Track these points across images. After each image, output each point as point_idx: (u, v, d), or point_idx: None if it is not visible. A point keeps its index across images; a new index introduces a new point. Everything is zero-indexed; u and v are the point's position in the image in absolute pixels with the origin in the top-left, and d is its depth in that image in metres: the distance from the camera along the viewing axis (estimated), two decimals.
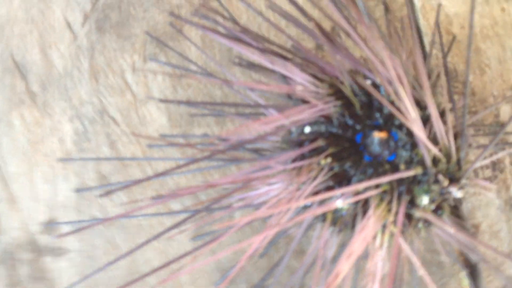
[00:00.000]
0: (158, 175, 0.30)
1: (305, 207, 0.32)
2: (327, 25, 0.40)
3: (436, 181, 0.30)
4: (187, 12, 0.41)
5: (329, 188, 0.31)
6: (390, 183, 0.30)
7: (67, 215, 0.41)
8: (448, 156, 0.31)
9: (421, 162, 0.31)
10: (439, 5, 0.39)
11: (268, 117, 0.31)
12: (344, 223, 0.32)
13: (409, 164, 0.31)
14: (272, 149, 0.34)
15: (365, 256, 0.31)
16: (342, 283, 0.30)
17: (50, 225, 0.41)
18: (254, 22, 0.41)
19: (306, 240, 0.37)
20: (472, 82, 0.40)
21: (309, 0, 0.38)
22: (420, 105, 0.31)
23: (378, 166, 0.31)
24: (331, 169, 0.31)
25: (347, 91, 0.31)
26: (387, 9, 0.36)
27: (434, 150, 0.30)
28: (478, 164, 0.31)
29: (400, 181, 0.31)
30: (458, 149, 0.31)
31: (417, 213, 0.31)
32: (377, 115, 0.32)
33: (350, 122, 0.32)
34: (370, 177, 0.31)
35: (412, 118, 0.28)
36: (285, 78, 0.33)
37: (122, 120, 0.41)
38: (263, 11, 0.41)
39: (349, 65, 0.32)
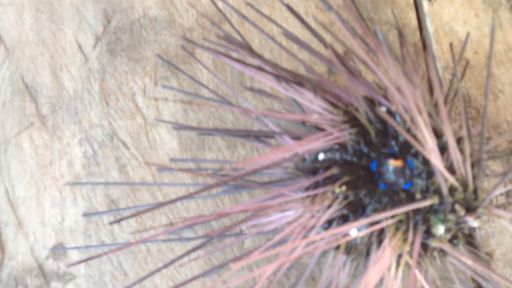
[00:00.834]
0: (169, 202, 0.29)
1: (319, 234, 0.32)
2: (339, 49, 0.40)
3: (453, 211, 0.30)
4: (199, 35, 0.41)
5: (343, 217, 0.31)
6: (406, 212, 0.30)
7: (74, 239, 0.40)
8: (464, 185, 0.30)
9: (438, 191, 0.30)
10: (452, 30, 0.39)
11: (282, 145, 0.31)
12: (358, 251, 0.31)
13: (425, 193, 0.30)
14: (285, 175, 0.33)
15: (379, 286, 0.30)
16: None
17: (57, 249, 0.40)
18: (266, 45, 0.41)
19: (317, 266, 0.37)
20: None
21: (322, 26, 0.38)
22: (436, 133, 0.30)
23: (393, 195, 0.31)
24: (345, 197, 0.30)
25: (363, 118, 0.31)
26: (400, 34, 0.35)
27: (451, 180, 0.29)
28: (495, 194, 0.30)
29: (417, 211, 0.30)
30: (474, 178, 0.30)
31: (433, 243, 0.30)
32: (393, 143, 0.31)
33: (365, 149, 0.31)
34: (385, 206, 0.30)
35: (430, 147, 0.28)
36: (298, 104, 0.33)
37: (132, 144, 0.41)
38: (275, 35, 0.41)
39: (364, 91, 0.32)
